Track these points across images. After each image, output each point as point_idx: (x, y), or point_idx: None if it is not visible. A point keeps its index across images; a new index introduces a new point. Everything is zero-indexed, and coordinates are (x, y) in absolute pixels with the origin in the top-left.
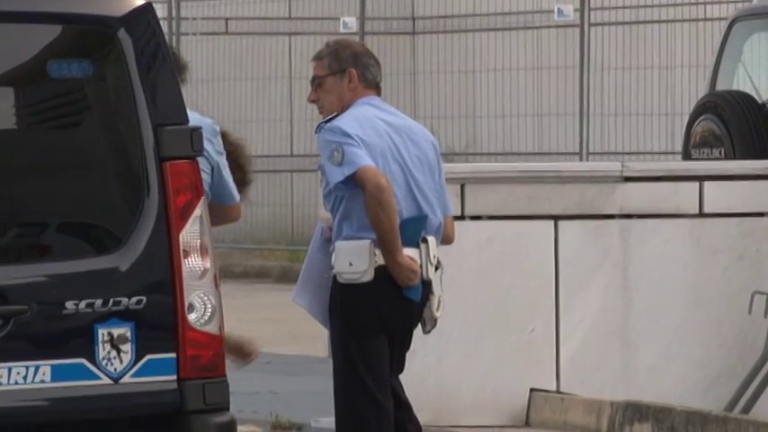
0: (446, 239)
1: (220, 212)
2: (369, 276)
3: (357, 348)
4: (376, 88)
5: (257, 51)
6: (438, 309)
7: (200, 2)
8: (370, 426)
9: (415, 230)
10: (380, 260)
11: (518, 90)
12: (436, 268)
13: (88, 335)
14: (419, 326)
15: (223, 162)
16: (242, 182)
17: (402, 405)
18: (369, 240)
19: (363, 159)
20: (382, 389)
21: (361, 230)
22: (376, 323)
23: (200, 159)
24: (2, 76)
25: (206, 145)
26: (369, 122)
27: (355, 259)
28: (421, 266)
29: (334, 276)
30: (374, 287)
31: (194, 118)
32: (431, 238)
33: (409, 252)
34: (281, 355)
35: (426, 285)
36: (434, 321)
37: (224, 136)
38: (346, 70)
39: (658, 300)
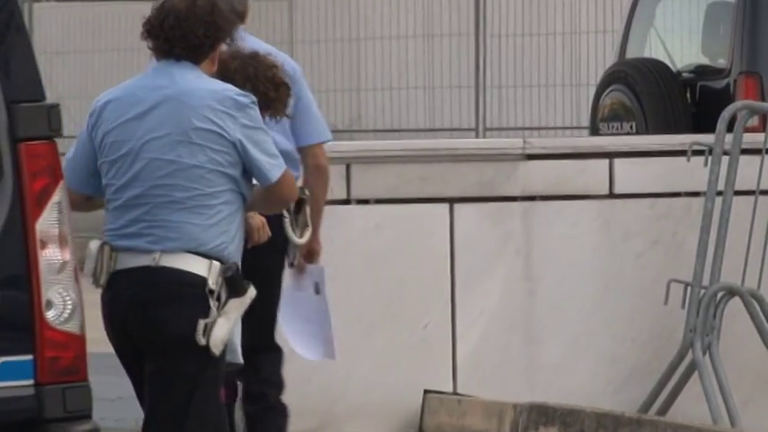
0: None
1: (265, 196)
2: None
3: None
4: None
5: (116, 20)
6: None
7: None
8: None
9: None
10: None
11: (407, 60)
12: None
13: None
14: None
15: (253, 137)
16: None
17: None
18: None
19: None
20: None
21: None
22: None
23: (216, 137)
24: None
25: (226, 120)
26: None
27: None
28: None
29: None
30: None
31: (218, 89)
32: None
33: None
34: None
35: None
36: (296, 248)
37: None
38: None
39: (565, 290)
